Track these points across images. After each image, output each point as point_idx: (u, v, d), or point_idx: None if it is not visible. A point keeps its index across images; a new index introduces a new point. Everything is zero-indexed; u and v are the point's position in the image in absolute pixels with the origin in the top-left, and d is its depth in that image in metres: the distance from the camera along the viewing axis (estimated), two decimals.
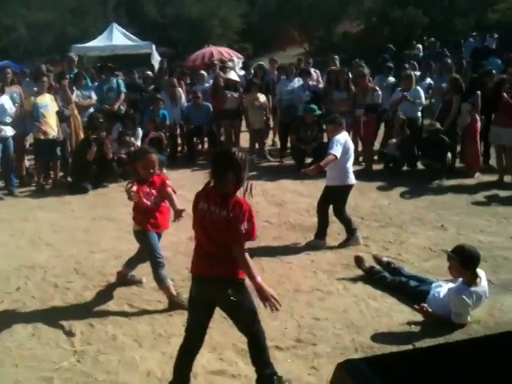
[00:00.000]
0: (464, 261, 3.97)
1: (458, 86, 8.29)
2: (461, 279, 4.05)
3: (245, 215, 3.02)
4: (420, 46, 16.12)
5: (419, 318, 4.14)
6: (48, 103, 8.07)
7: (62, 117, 8.39)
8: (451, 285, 4.17)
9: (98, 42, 17.48)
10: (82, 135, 8.84)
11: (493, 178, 7.99)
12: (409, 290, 4.45)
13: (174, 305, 4.40)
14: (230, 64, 11.97)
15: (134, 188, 4.29)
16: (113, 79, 9.90)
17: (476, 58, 12.94)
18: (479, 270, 4.08)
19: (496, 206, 6.84)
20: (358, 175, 6.02)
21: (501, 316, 4.15)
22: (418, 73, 10.49)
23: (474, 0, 23.73)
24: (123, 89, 9.90)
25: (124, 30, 17.82)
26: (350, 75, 9.26)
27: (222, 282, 3.08)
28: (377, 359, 1.66)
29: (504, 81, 7.90)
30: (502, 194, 7.33)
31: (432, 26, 23.09)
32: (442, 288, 4.23)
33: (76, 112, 8.89)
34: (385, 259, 5.02)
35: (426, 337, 3.87)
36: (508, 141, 7.74)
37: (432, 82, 9.98)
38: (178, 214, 4.44)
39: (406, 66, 10.61)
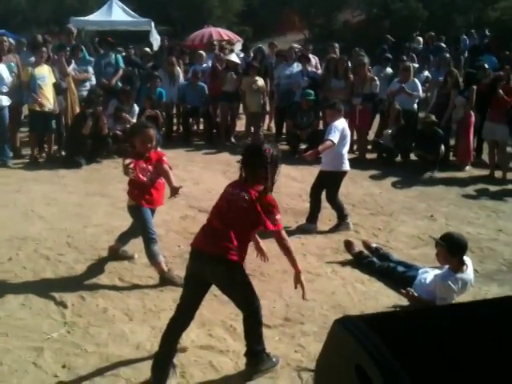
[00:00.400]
0: (451, 248, 4.06)
1: (457, 80, 8.35)
2: (448, 266, 4.14)
3: (273, 208, 3.17)
4: (420, 38, 16.07)
5: (405, 302, 4.23)
6: (45, 75, 7.99)
7: (58, 89, 8.34)
8: (438, 271, 4.26)
9: (97, 16, 17.24)
10: (77, 109, 8.80)
11: (484, 172, 8.09)
12: (396, 275, 4.54)
13: (164, 281, 4.45)
14: (235, 47, 11.87)
15: (132, 164, 4.30)
16: (111, 54, 9.83)
17: (474, 54, 12.97)
18: (466, 258, 4.17)
19: (485, 200, 6.94)
20: (352, 163, 6.07)
21: None
22: (416, 65, 10.50)
23: None
24: (122, 65, 9.84)
25: (124, 6, 17.56)
26: (350, 64, 9.27)
27: (215, 259, 3.14)
28: (373, 317, 1.73)
29: (500, 78, 7.95)
30: (492, 188, 7.44)
31: (432, 20, 23.07)
32: (429, 274, 4.33)
33: (73, 86, 8.84)
34: (373, 245, 5.11)
35: None
36: (501, 137, 7.83)
37: (429, 75, 9.99)
38: (175, 191, 4.47)
39: (404, 57, 10.59)
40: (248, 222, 3.19)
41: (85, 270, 4.75)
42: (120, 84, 9.67)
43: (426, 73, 10.01)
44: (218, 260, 3.14)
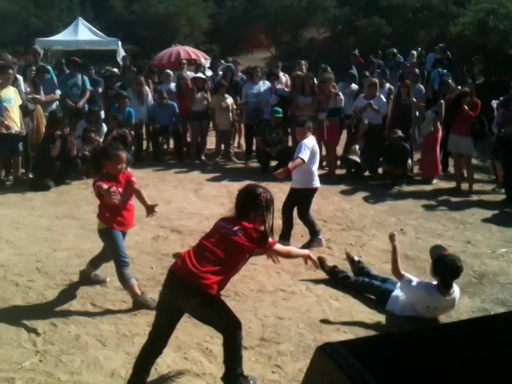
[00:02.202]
0: (434, 266, 4.10)
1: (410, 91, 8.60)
2: (436, 282, 4.15)
3: (256, 230, 3.20)
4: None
5: (379, 317, 4.29)
6: (12, 97, 7.86)
7: (25, 111, 8.23)
8: (416, 280, 4.31)
9: (63, 36, 17.13)
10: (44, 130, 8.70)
11: (451, 184, 8.28)
12: (372, 289, 4.60)
13: (138, 304, 4.39)
14: (203, 61, 11.92)
15: (105, 186, 4.21)
16: (78, 75, 9.76)
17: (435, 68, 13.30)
18: (455, 287, 4.16)
19: (453, 212, 7.09)
20: (322, 179, 6.14)
21: (457, 316, 4.33)
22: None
23: (437, 13, 24.42)
24: (89, 86, 9.78)
25: (90, 25, 17.52)
26: (316, 80, 9.39)
27: (192, 289, 3.09)
28: (355, 343, 1.74)
29: (465, 93, 8.16)
30: (459, 200, 7.61)
31: (395, 35, 23.64)
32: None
33: (40, 108, 8.73)
34: (356, 258, 5.18)
35: None
36: (465, 149, 8.03)
37: (392, 86, 10.12)
38: (151, 209, 4.46)
39: (367, 73, 10.78)
40: (238, 255, 3.20)
41: (56, 295, 4.65)
42: (86, 105, 9.61)
43: (388, 85, 10.10)
44: (195, 291, 3.08)
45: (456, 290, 4.18)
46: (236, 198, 3.37)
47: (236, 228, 3.19)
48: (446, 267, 4.02)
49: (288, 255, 3.60)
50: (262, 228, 3.23)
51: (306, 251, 3.69)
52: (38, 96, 8.80)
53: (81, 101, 9.58)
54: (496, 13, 13.72)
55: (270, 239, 3.29)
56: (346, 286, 4.79)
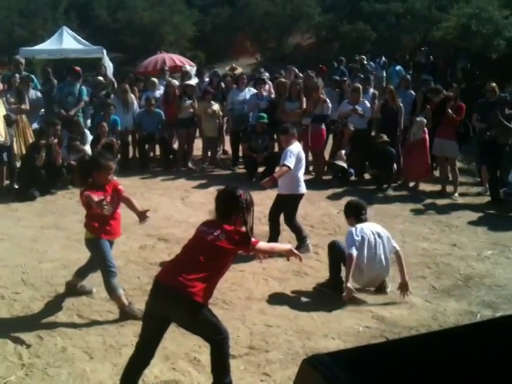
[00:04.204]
0: (344, 212, 5.00)
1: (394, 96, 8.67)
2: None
3: (237, 232, 3.17)
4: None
5: (366, 323, 4.29)
6: None
7: (8, 121, 8.15)
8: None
9: (48, 45, 17.04)
10: (30, 140, 8.62)
11: (436, 188, 8.33)
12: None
13: (125, 315, 4.35)
14: (188, 68, 11.91)
15: (96, 197, 4.15)
16: (77, 84, 9.70)
17: (419, 73, 13.45)
18: (370, 224, 4.82)
19: (439, 215, 7.14)
20: (308, 185, 6.15)
21: (444, 320, 4.36)
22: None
23: (420, 18, 24.70)
24: (85, 97, 9.69)
25: (74, 34, 17.46)
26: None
27: (179, 298, 3.07)
28: (343, 354, 1.71)
29: (450, 98, 8.23)
30: (445, 203, 7.67)
31: (380, 41, 23.88)
32: None
33: (24, 117, 8.67)
34: None
35: (373, 340, 4.00)
36: (450, 152, 8.09)
37: (376, 91, 10.18)
38: (143, 215, 4.45)
39: (345, 78, 10.85)
40: (222, 259, 3.18)
41: (42, 307, 4.59)
42: (80, 115, 9.57)
43: (372, 90, 10.14)
44: (182, 300, 3.06)
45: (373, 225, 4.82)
46: (215, 200, 3.33)
47: (218, 232, 3.15)
48: (352, 206, 4.96)
49: (272, 252, 3.73)
50: (244, 229, 3.20)
51: (289, 246, 3.75)
52: (22, 106, 8.73)
53: (73, 110, 9.46)
54: (478, 17, 13.93)
55: (253, 239, 3.27)
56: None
